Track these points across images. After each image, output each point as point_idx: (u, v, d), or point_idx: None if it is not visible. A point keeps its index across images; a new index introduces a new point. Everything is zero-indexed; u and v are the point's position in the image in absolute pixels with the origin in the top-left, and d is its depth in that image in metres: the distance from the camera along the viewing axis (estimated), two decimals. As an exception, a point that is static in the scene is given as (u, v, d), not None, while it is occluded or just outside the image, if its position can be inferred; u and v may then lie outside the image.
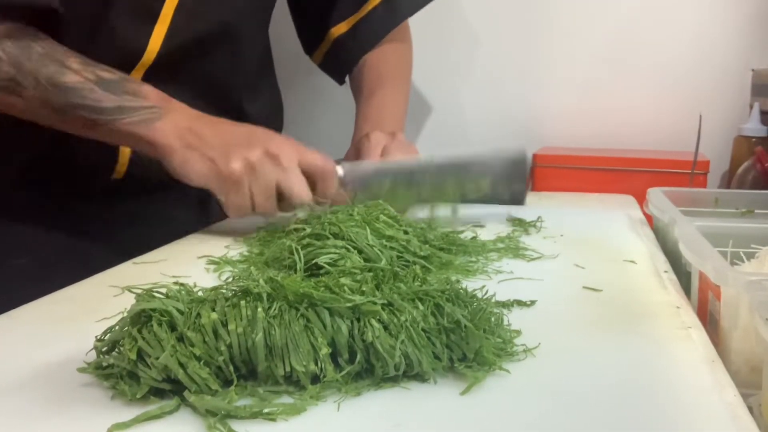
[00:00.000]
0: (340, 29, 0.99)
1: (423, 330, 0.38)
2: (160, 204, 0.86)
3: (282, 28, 1.04)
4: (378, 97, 0.94)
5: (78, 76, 0.68)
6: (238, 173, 0.67)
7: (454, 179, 0.73)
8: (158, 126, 0.68)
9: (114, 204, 0.84)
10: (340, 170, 0.73)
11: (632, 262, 0.62)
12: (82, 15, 0.74)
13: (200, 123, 0.70)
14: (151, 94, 0.71)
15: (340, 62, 1.02)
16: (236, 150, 0.68)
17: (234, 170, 0.67)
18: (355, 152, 0.83)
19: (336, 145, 0.94)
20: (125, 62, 0.77)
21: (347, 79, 1.04)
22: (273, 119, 0.99)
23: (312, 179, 0.70)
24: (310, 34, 1.03)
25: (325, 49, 1.01)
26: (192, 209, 0.90)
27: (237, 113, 0.90)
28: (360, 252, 0.55)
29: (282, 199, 0.69)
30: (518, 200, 0.76)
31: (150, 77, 0.79)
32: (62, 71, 0.68)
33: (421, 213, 0.75)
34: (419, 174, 0.74)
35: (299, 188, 0.69)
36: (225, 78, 0.88)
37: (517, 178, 0.75)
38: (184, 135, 0.68)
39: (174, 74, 0.80)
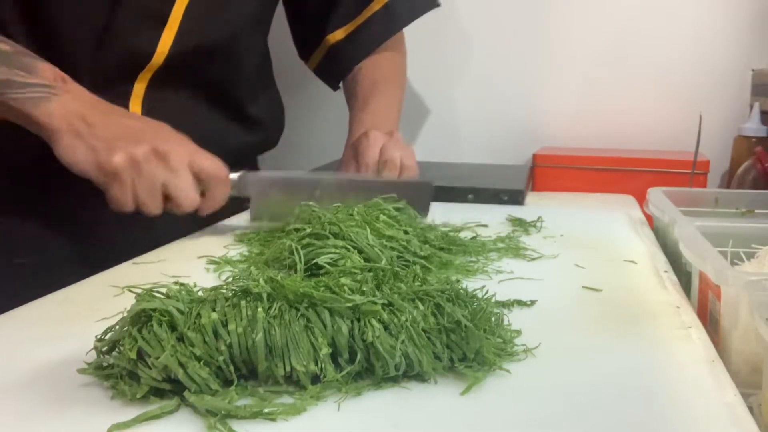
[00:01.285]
0: (336, 36, 0.99)
1: (423, 330, 0.38)
2: None
3: (281, 32, 1.04)
4: (372, 103, 0.94)
5: None
6: (120, 167, 0.64)
7: (356, 198, 0.71)
8: (48, 107, 0.65)
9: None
10: (234, 176, 0.71)
11: (632, 262, 0.62)
12: (91, 17, 0.74)
13: (94, 111, 0.67)
14: (48, 72, 0.67)
15: (335, 68, 1.02)
16: (122, 143, 0.65)
17: (115, 164, 0.64)
18: (353, 151, 0.83)
19: (335, 147, 0.94)
20: (134, 65, 0.77)
21: (341, 85, 1.04)
22: (275, 120, 0.99)
23: (202, 184, 0.68)
24: (307, 40, 1.03)
25: (320, 55, 1.02)
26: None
27: (239, 115, 0.90)
28: (360, 252, 0.55)
29: (169, 200, 0.67)
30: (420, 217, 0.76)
31: (157, 80, 0.79)
32: None
33: None
34: (317, 189, 0.73)
35: (186, 192, 0.66)
36: (229, 81, 0.88)
37: (421, 205, 0.75)
38: (73, 121, 0.66)
39: (180, 78, 0.80)
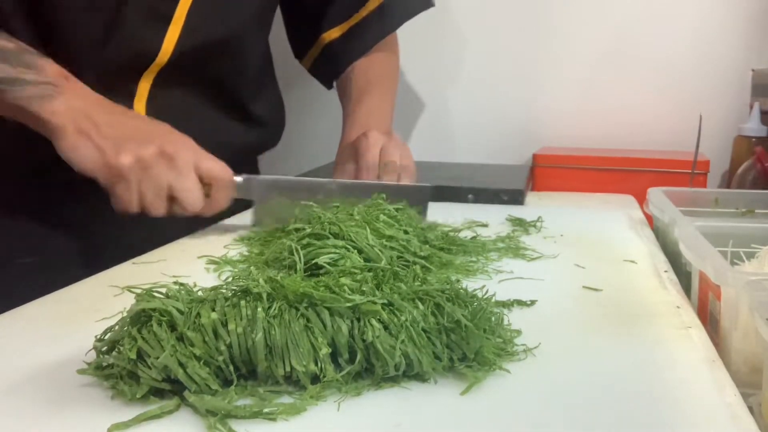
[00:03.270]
0: (332, 35, 0.99)
1: (423, 330, 0.38)
2: None
3: (281, 32, 1.04)
4: (366, 103, 0.94)
5: None
6: (127, 168, 0.64)
7: (357, 202, 0.72)
8: (52, 105, 0.65)
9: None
10: (239, 179, 0.71)
11: (632, 262, 0.62)
12: (96, 16, 0.74)
13: (98, 109, 0.67)
14: (51, 69, 0.67)
15: (330, 67, 1.02)
16: (129, 144, 0.65)
17: (122, 164, 0.64)
18: (352, 151, 0.83)
19: (334, 146, 0.94)
20: (138, 64, 0.77)
21: (334, 84, 1.04)
22: (276, 118, 1.00)
23: (208, 186, 0.69)
24: (302, 39, 1.03)
25: (315, 53, 1.02)
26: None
27: (242, 114, 0.91)
28: (360, 252, 0.55)
29: (174, 201, 0.67)
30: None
31: (162, 79, 0.79)
32: None
33: None
34: (320, 194, 0.74)
35: (192, 193, 0.67)
36: (232, 80, 0.88)
37: (419, 210, 0.75)
38: (78, 118, 0.65)
39: (184, 76, 0.81)
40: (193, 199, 0.67)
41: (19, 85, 0.65)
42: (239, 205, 0.82)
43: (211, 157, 0.69)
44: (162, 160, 0.65)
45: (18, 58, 0.66)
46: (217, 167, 0.69)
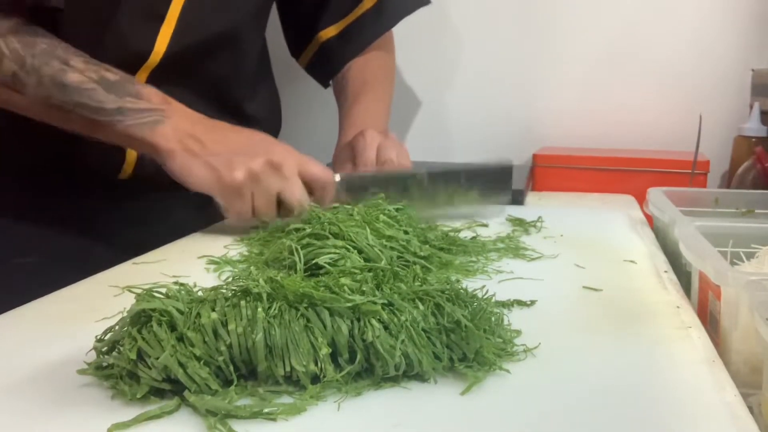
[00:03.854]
0: (328, 33, 0.99)
1: (423, 330, 0.38)
2: (166, 204, 0.86)
3: (278, 30, 1.04)
4: (363, 102, 0.95)
5: (81, 75, 0.68)
6: (241, 182, 0.68)
7: (445, 188, 0.76)
8: (160, 130, 0.69)
9: (121, 204, 0.84)
10: (337, 178, 0.75)
11: (632, 262, 0.62)
12: (89, 15, 0.74)
13: (202, 128, 0.71)
14: (153, 96, 0.71)
15: (327, 66, 1.02)
16: (239, 159, 0.69)
17: (237, 179, 0.68)
18: (350, 150, 0.83)
19: (331, 143, 0.94)
20: (132, 63, 0.77)
21: (331, 82, 1.04)
22: (271, 118, 0.99)
23: (311, 187, 0.72)
24: (298, 37, 1.03)
25: (312, 52, 1.02)
26: (194, 210, 0.90)
27: (237, 113, 0.90)
28: (360, 252, 0.55)
29: (281, 206, 0.71)
30: (504, 203, 0.81)
31: (155, 78, 0.79)
32: (65, 69, 0.68)
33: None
34: (412, 183, 0.76)
35: (300, 197, 0.71)
36: (226, 79, 0.88)
37: (504, 189, 0.79)
38: (185, 140, 0.69)
39: (178, 75, 0.81)
40: (300, 203, 0.71)
41: (127, 114, 0.69)
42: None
43: (312, 160, 0.73)
44: (270, 170, 0.69)
45: (123, 88, 0.70)
46: (318, 170, 0.73)
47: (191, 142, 0.69)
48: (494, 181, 0.75)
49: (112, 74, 0.70)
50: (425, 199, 0.77)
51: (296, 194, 0.70)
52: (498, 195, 0.79)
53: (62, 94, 0.68)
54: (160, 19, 0.77)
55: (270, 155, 0.70)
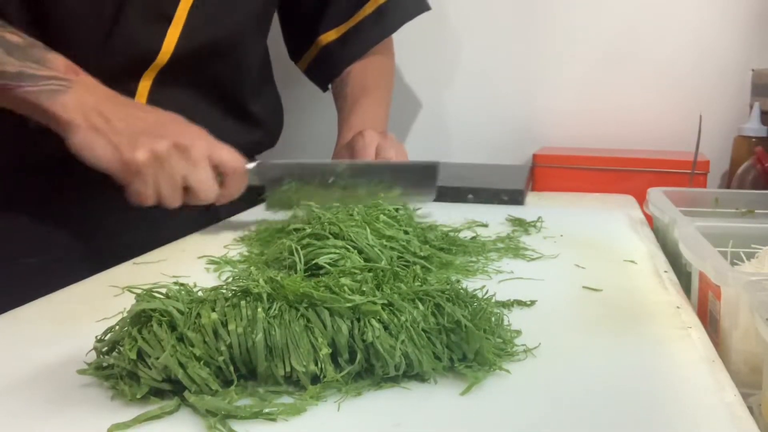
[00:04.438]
0: (329, 37, 0.99)
1: (423, 330, 0.38)
2: None
3: (278, 34, 1.04)
4: (362, 105, 0.95)
5: None
6: (143, 163, 0.65)
7: (367, 183, 0.74)
8: (62, 100, 0.65)
9: (120, 204, 0.84)
10: (251, 166, 0.72)
11: (632, 262, 0.62)
12: (97, 16, 0.74)
13: (109, 104, 0.67)
14: (60, 65, 0.68)
15: (326, 70, 1.02)
16: (143, 138, 0.65)
17: (138, 159, 0.65)
18: (349, 150, 0.84)
19: (331, 145, 0.94)
20: (139, 63, 0.77)
21: (330, 86, 1.04)
22: (274, 120, 1.00)
23: (221, 175, 0.69)
24: (299, 41, 1.04)
25: (312, 55, 1.02)
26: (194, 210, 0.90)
27: (241, 114, 0.91)
28: (360, 252, 0.55)
29: (188, 192, 0.68)
30: (427, 199, 0.81)
31: (161, 79, 0.79)
32: None
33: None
34: (331, 174, 0.75)
35: (207, 184, 0.68)
36: (231, 79, 0.88)
37: (428, 187, 0.78)
38: (89, 114, 0.66)
39: (184, 76, 0.81)
40: (207, 190, 0.68)
41: (29, 80, 0.65)
42: (240, 206, 0.82)
43: (223, 146, 0.70)
44: (176, 152, 0.66)
45: (27, 53, 0.66)
46: (229, 156, 0.69)
47: (95, 116, 0.66)
48: (419, 178, 0.74)
49: (17, 37, 0.67)
50: (345, 193, 0.75)
51: (203, 181, 0.67)
52: (421, 193, 0.77)
53: None
54: (168, 20, 0.77)
55: (178, 137, 0.66)
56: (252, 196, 0.77)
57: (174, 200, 0.68)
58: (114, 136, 0.65)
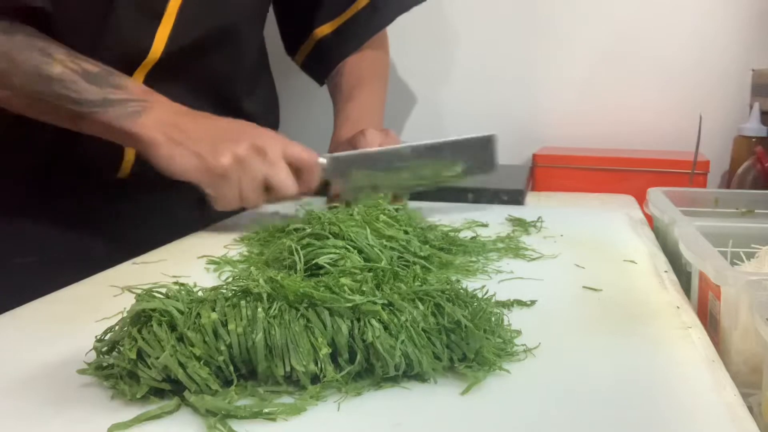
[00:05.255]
0: (324, 30, 1.00)
1: (423, 330, 0.38)
2: (164, 203, 0.86)
3: (275, 28, 1.04)
4: (358, 97, 0.95)
5: (63, 67, 0.68)
6: (227, 167, 0.68)
7: (431, 162, 0.78)
8: (142, 120, 0.69)
9: (120, 203, 0.84)
10: (322, 160, 0.75)
11: (632, 262, 0.62)
12: (87, 14, 0.74)
13: (185, 118, 0.71)
14: (135, 87, 0.71)
15: (322, 63, 1.02)
16: (224, 144, 0.68)
17: (223, 164, 0.68)
18: (350, 149, 0.83)
19: (328, 140, 0.94)
20: (130, 61, 0.77)
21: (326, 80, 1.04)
22: (270, 116, 1.00)
23: (296, 171, 0.72)
24: (294, 35, 1.04)
25: (307, 49, 1.02)
26: (193, 209, 0.90)
27: (236, 110, 0.90)
28: (360, 252, 0.55)
29: (268, 191, 0.71)
30: (489, 172, 0.83)
31: (154, 76, 0.79)
32: (47, 62, 0.68)
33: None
34: (397, 160, 0.77)
35: (286, 181, 0.70)
36: (225, 76, 0.88)
37: (488, 159, 0.81)
38: (168, 130, 0.69)
39: (177, 73, 0.81)
40: (287, 187, 0.70)
41: (110, 105, 0.68)
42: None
43: (295, 143, 0.72)
44: (255, 154, 0.69)
45: (105, 80, 0.69)
46: (302, 152, 0.72)
47: (174, 131, 0.69)
48: (478, 153, 0.77)
49: (93, 66, 0.70)
50: (411, 174, 0.78)
51: (283, 178, 0.70)
52: (482, 166, 0.80)
53: (44, 85, 0.68)
54: (158, 16, 0.77)
55: (254, 140, 0.69)
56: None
57: (257, 200, 0.70)
58: (195, 146, 0.68)
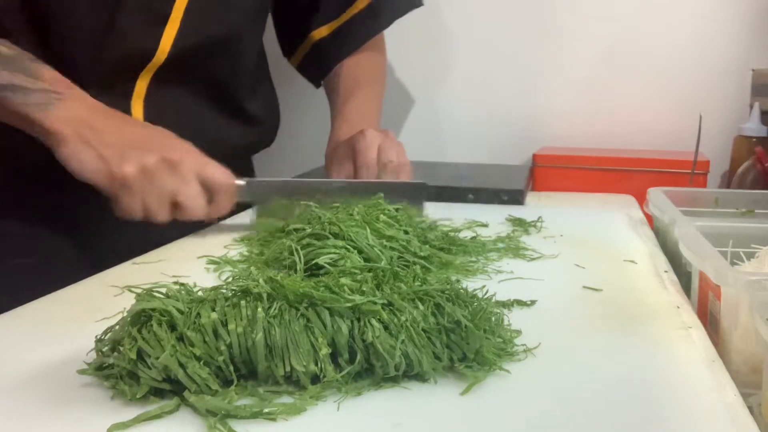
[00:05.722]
0: (321, 33, 1.00)
1: (423, 330, 0.38)
2: None
3: (272, 30, 1.05)
4: (354, 99, 0.95)
5: None
6: (131, 177, 0.64)
7: (358, 201, 0.73)
8: (53, 112, 0.65)
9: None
10: (240, 183, 0.72)
11: (632, 262, 0.62)
12: (93, 17, 0.74)
13: (99, 116, 0.67)
14: (51, 77, 0.68)
15: (318, 66, 1.02)
16: (133, 152, 0.65)
17: (126, 173, 0.64)
18: (349, 149, 0.84)
19: (326, 142, 0.94)
20: (136, 64, 0.77)
21: (322, 82, 1.05)
22: (271, 117, 1.00)
23: (210, 192, 0.69)
24: (291, 37, 1.04)
25: (304, 52, 1.02)
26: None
27: (238, 112, 0.91)
28: (360, 252, 0.55)
29: (177, 208, 0.68)
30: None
31: (159, 78, 0.79)
32: None
33: None
34: (318, 194, 0.74)
35: (195, 200, 0.67)
36: (228, 78, 0.88)
37: (418, 205, 0.77)
38: (79, 126, 0.66)
39: (181, 75, 0.81)
40: (195, 206, 0.67)
41: (18, 92, 0.65)
42: (240, 206, 0.82)
43: (212, 162, 0.69)
44: (165, 167, 0.65)
45: (18, 65, 0.66)
46: (218, 173, 0.69)
47: (85, 129, 0.65)
48: (410, 197, 0.73)
49: (9, 49, 0.67)
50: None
51: (191, 196, 0.67)
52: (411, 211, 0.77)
53: None
54: (164, 19, 0.77)
55: (167, 152, 0.66)
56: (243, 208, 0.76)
57: (162, 215, 0.67)
58: (103, 148, 0.65)
